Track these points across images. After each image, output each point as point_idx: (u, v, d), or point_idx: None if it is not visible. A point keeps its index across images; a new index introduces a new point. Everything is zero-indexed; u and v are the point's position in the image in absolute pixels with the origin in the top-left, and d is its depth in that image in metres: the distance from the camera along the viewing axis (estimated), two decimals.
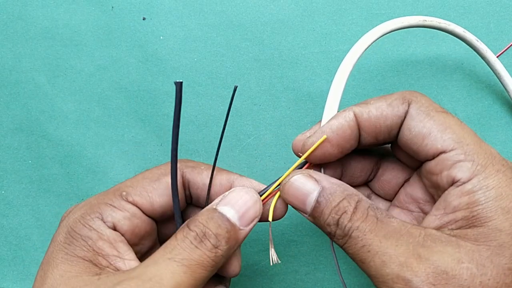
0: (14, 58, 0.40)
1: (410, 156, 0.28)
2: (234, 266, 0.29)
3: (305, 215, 0.27)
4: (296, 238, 0.39)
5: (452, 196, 0.24)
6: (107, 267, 0.25)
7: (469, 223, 0.24)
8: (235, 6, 0.40)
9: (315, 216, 0.27)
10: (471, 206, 0.24)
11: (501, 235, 0.23)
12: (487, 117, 0.39)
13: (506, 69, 0.37)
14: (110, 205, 0.27)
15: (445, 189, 0.25)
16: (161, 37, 0.40)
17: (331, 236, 0.26)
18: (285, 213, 0.29)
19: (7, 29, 0.40)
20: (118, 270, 0.25)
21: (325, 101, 0.35)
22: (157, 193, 0.28)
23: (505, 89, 0.38)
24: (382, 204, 0.32)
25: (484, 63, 0.37)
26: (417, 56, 0.39)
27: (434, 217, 0.25)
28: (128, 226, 0.27)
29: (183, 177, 0.29)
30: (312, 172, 0.27)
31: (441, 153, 0.25)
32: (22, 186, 0.40)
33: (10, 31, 0.40)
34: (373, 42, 0.31)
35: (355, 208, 0.25)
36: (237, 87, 0.26)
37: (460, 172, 0.24)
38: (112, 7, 0.40)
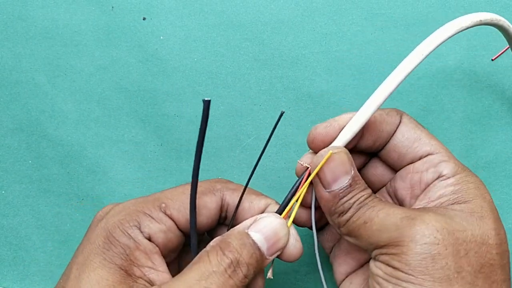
0: (14, 58, 0.40)
1: (392, 161, 0.31)
2: (297, 249, 0.29)
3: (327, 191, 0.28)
4: None
5: (438, 187, 0.28)
6: (141, 277, 0.25)
7: (454, 202, 0.27)
8: (235, 6, 0.40)
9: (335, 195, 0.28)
10: (456, 192, 0.27)
11: (482, 210, 0.26)
12: (487, 117, 0.39)
13: (497, 75, 0.37)
14: (149, 215, 0.27)
15: (429, 184, 0.28)
16: (161, 37, 0.40)
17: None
18: (302, 252, 0.29)
19: (7, 29, 0.40)
20: (150, 282, 0.26)
21: (326, 100, 0.35)
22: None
23: None
24: None
25: (484, 62, 0.37)
26: None
27: (420, 206, 0.29)
28: (162, 239, 0.27)
29: (222, 199, 0.29)
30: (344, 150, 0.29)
31: (429, 154, 0.29)
32: (22, 186, 0.40)
33: (10, 31, 0.40)
34: (443, 41, 0.29)
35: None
36: (283, 112, 0.27)
37: (446, 169, 0.28)
38: (112, 7, 0.40)
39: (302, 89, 0.40)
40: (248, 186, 0.29)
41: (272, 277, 0.29)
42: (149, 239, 0.27)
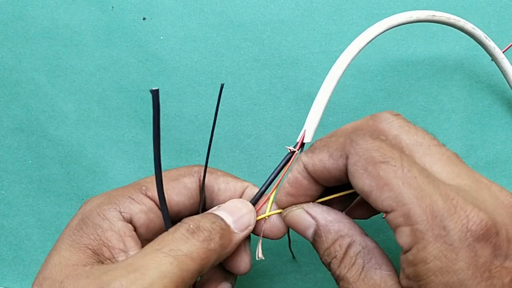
0: (14, 58, 0.40)
1: None
2: (245, 263, 0.29)
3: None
4: (296, 238, 0.39)
5: (403, 263, 0.22)
6: (109, 259, 0.25)
7: None
8: (235, 6, 0.40)
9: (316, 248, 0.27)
10: (417, 279, 0.22)
11: None
12: (488, 117, 0.39)
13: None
14: (129, 197, 0.27)
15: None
16: (161, 37, 0.40)
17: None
18: (285, 233, 0.30)
19: (7, 29, 0.40)
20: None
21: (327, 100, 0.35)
22: (174, 191, 0.28)
23: (510, 86, 0.37)
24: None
25: (484, 62, 0.37)
26: (417, 56, 0.39)
27: (403, 276, 0.23)
28: (144, 220, 0.27)
29: (199, 180, 0.30)
30: (309, 206, 0.28)
31: (389, 211, 0.22)
32: (22, 186, 0.40)
33: (10, 31, 0.40)
34: (378, 34, 0.30)
35: (345, 253, 0.25)
36: (223, 84, 0.26)
37: (401, 239, 0.22)
38: (112, 7, 0.40)
39: (302, 89, 0.40)
40: (250, 183, 0.30)
41: (263, 257, 0.29)
42: (130, 220, 0.27)
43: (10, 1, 0.41)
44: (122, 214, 0.26)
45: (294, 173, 0.27)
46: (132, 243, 0.26)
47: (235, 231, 0.27)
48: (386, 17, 0.40)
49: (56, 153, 0.40)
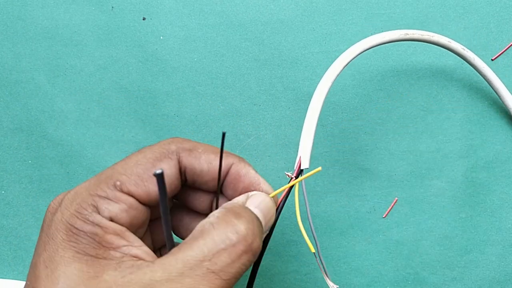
0: (14, 58, 0.40)
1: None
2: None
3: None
4: (296, 238, 0.39)
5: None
6: (122, 258, 0.23)
7: None
8: (235, 6, 0.40)
9: None
10: None
11: None
12: (487, 117, 0.39)
13: (500, 72, 0.38)
14: (105, 197, 0.24)
15: None
16: (161, 37, 0.40)
17: None
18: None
19: (7, 29, 0.40)
20: (136, 256, 0.24)
21: (326, 100, 0.35)
22: (153, 181, 0.25)
23: (497, 94, 0.38)
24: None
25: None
26: (417, 56, 0.39)
27: None
28: (125, 219, 0.24)
29: (179, 162, 0.27)
30: None
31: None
32: (22, 186, 0.40)
33: (10, 31, 0.40)
34: (352, 59, 0.31)
35: None
36: (224, 133, 0.24)
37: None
38: (112, 7, 0.40)
39: (302, 89, 0.40)
40: (234, 156, 0.28)
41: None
42: (111, 220, 0.24)
43: (10, 1, 0.40)
44: (103, 216, 0.24)
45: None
46: (132, 237, 0.24)
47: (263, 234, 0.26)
48: (386, 17, 0.40)
49: (56, 153, 0.40)
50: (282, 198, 0.29)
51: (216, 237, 0.23)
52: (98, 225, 0.23)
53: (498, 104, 0.39)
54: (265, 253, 0.35)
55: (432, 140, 0.39)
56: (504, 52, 0.39)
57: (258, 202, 0.26)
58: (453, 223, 0.39)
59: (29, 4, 0.40)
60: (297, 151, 0.39)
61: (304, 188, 0.29)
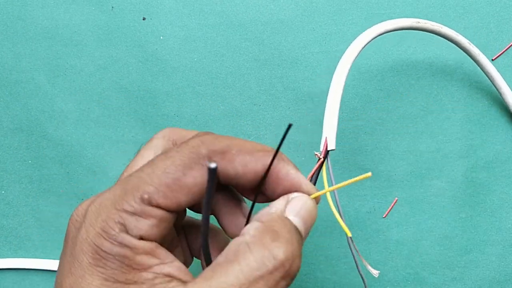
0: (14, 58, 0.40)
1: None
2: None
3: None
4: None
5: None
6: (156, 277, 0.22)
7: None
8: (235, 6, 0.40)
9: None
10: None
11: None
12: (487, 116, 0.39)
13: (503, 72, 0.37)
14: (133, 213, 0.22)
15: None
16: (161, 37, 0.40)
17: None
18: None
19: (7, 29, 0.40)
20: (168, 275, 0.22)
21: (326, 100, 0.35)
22: (184, 192, 0.23)
23: (499, 92, 0.38)
24: None
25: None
26: (417, 56, 0.39)
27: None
28: (156, 235, 0.22)
29: (209, 168, 0.24)
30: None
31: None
32: (22, 186, 0.40)
33: (10, 31, 0.40)
34: (366, 44, 0.31)
35: None
36: (291, 125, 0.22)
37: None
38: (112, 7, 0.40)
39: (302, 89, 0.40)
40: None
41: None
42: (141, 239, 0.22)
43: (10, 1, 0.40)
44: (132, 235, 0.22)
45: None
46: (164, 253, 0.22)
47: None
48: (386, 17, 0.40)
49: (56, 153, 0.40)
50: (310, 177, 0.27)
51: (253, 263, 0.21)
52: (127, 246, 0.21)
53: (498, 104, 0.39)
54: None
55: (432, 140, 0.39)
56: (505, 52, 0.39)
57: (299, 208, 0.24)
58: (453, 223, 0.39)
59: (29, 4, 0.40)
60: (297, 151, 0.39)
61: (331, 171, 0.28)
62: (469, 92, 0.39)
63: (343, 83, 0.30)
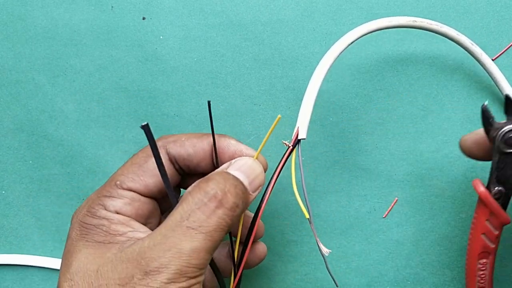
0: (14, 58, 0.40)
1: None
2: (262, 247, 0.33)
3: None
4: (296, 238, 0.39)
5: None
6: (127, 241, 0.26)
7: None
8: (235, 6, 0.40)
9: None
10: None
11: None
12: None
13: (503, 72, 0.37)
14: (109, 196, 0.28)
15: None
16: (161, 37, 0.40)
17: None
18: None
19: (7, 29, 0.40)
20: (140, 239, 0.26)
21: (326, 100, 0.35)
22: (148, 174, 0.29)
23: (501, 92, 0.38)
24: None
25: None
26: (417, 56, 0.39)
27: None
28: (131, 211, 0.28)
29: (168, 154, 0.30)
30: None
31: None
32: (23, 186, 0.40)
33: (10, 31, 0.40)
34: (356, 39, 0.31)
35: None
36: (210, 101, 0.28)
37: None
38: (112, 7, 0.40)
39: (302, 89, 0.39)
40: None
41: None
42: (117, 213, 0.28)
43: (10, 1, 0.40)
44: (108, 210, 0.28)
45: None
46: (138, 225, 0.28)
47: (251, 193, 0.28)
48: (386, 17, 0.40)
49: (56, 153, 0.40)
50: (280, 165, 0.31)
51: (191, 202, 0.25)
52: (104, 218, 0.27)
53: (498, 104, 0.39)
54: (263, 241, 0.35)
55: (432, 140, 0.39)
56: (505, 52, 0.39)
57: (239, 165, 0.29)
58: (453, 223, 0.39)
59: (29, 4, 0.40)
60: (297, 150, 0.39)
61: (300, 160, 0.30)
62: (469, 92, 0.39)
63: (323, 76, 0.31)
